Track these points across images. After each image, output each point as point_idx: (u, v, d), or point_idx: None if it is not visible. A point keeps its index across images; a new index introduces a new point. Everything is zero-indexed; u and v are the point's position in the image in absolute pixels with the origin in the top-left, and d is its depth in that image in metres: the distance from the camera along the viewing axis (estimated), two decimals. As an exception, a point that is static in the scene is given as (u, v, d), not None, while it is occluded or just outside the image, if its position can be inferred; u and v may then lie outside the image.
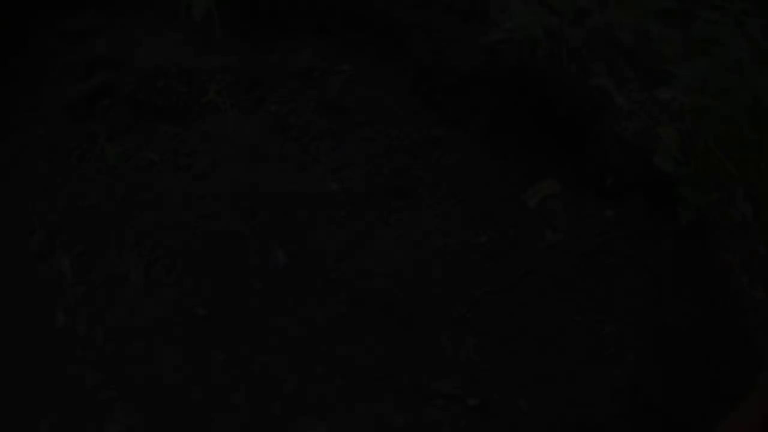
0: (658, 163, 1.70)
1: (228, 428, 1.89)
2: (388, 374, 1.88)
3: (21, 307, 2.11)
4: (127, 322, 1.98)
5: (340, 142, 2.00)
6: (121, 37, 2.09)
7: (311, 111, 1.96)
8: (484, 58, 1.77)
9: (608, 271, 1.84)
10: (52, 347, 2.04)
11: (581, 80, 1.79)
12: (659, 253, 1.87)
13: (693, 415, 1.68)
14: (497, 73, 1.77)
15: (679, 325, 1.93)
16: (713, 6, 1.82)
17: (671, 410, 1.71)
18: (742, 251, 2.02)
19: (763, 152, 1.82)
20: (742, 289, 1.96)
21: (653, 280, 1.86)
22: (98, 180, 1.99)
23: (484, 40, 1.77)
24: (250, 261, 1.87)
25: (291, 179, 1.88)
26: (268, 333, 1.91)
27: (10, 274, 2.09)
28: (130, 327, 1.99)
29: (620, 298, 1.84)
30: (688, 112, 1.89)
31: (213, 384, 1.88)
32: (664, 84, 1.92)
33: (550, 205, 1.84)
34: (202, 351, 1.90)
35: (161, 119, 2.00)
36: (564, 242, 1.80)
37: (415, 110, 1.92)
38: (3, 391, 2.02)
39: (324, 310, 1.90)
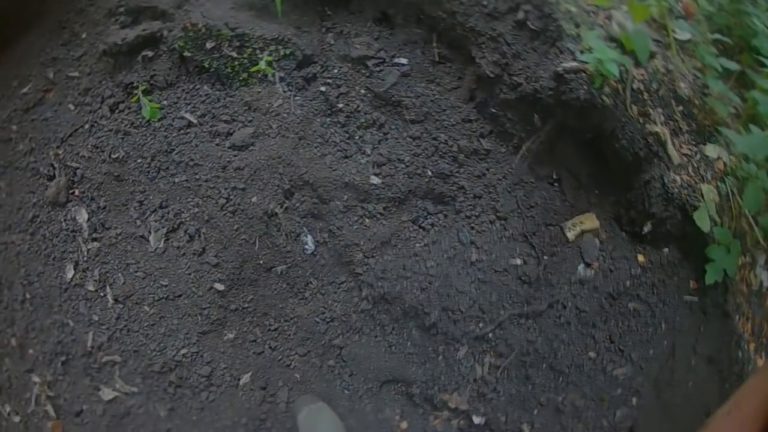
0: (696, 220, 1.73)
1: (228, 412, 1.87)
2: (400, 379, 1.90)
3: (31, 254, 2.08)
4: (140, 287, 1.97)
5: (387, 136, 2.02)
6: None
7: (362, 99, 1.95)
8: (551, 82, 1.76)
9: (630, 314, 1.89)
10: (58, 300, 2.02)
11: (641, 124, 1.79)
12: (680, 306, 1.91)
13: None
14: (561, 100, 1.75)
15: (686, 380, 1.99)
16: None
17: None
18: (754, 318, 2.09)
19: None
20: (748, 357, 2.03)
21: (670, 331, 1.92)
22: (130, 133, 1.93)
23: (555, 65, 1.75)
24: (278, 242, 1.86)
25: (332, 165, 1.87)
26: (284, 318, 1.91)
27: (22, 218, 1.99)
28: (141, 292, 1.97)
29: (636, 342, 1.89)
30: (730, 174, 1.93)
31: (218, 364, 1.86)
32: (712, 141, 1.96)
33: (587, 240, 1.87)
34: (212, 328, 1.90)
35: (205, 81, 1.96)
36: (594, 279, 1.84)
37: (469, 118, 1.92)
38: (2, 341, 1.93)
39: (344, 304, 1.92)
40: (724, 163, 2.05)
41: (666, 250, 1.93)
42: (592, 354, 1.90)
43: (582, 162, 1.90)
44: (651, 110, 1.92)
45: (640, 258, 1.91)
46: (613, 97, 1.83)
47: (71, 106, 2.03)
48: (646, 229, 1.91)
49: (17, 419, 2.00)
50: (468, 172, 1.92)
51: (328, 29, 2.04)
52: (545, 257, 1.87)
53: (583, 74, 1.80)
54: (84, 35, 2.09)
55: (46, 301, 1.96)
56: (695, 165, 1.97)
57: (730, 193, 2.01)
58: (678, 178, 1.89)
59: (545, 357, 1.87)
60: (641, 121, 1.87)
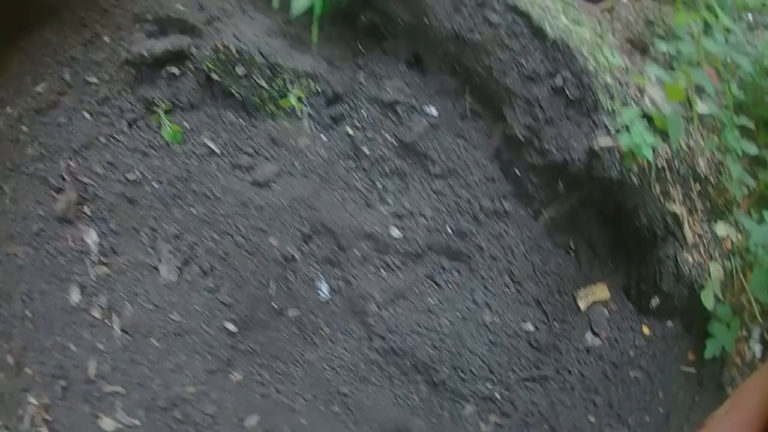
0: (702, 299, 1.80)
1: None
2: (404, 430, 1.93)
3: (34, 270, 2.02)
4: (148, 319, 1.94)
5: (410, 187, 2.03)
6: (211, 3, 1.92)
7: (388, 146, 1.92)
8: (583, 155, 1.77)
9: (630, 382, 1.96)
10: (60, 322, 1.96)
11: (661, 203, 1.82)
12: (678, 376, 1.99)
13: None
14: (591, 175, 1.76)
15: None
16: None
17: None
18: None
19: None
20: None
21: (666, 399, 1.99)
22: (148, 154, 1.87)
23: (590, 140, 1.76)
24: (293, 286, 1.85)
25: (353, 212, 1.88)
26: (293, 363, 1.95)
27: (26, 229, 2.01)
28: (150, 324, 1.94)
29: (634, 408, 1.96)
30: (736, 252, 2.00)
31: (224, 404, 1.85)
32: (723, 219, 2.01)
33: (597, 310, 1.92)
34: (220, 367, 1.89)
35: (230, 107, 1.90)
36: (600, 348, 1.89)
37: (492, 177, 1.92)
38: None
39: (354, 353, 1.96)
40: (732, 242, 2.11)
41: (669, 323, 1.99)
42: (591, 418, 1.96)
43: (600, 233, 1.94)
44: (671, 188, 1.95)
45: (645, 329, 1.98)
46: (639, 176, 1.86)
47: (87, 115, 1.95)
48: (654, 302, 1.97)
49: None
50: (487, 232, 1.93)
51: (360, 67, 1.99)
52: (556, 324, 1.90)
53: (617, 152, 1.80)
54: (106, 38, 1.99)
55: (48, 322, 1.92)
56: (706, 244, 2.01)
57: (734, 271, 2.07)
58: (690, 257, 1.94)
59: (547, 419, 1.93)
60: (662, 199, 1.91)
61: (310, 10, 1.92)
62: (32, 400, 1.89)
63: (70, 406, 1.89)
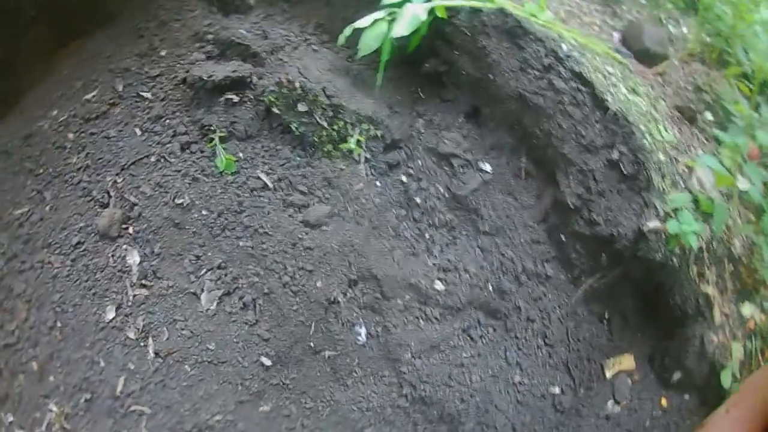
0: (721, 379, 1.89)
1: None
2: (424, 483, 1.96)
3: (69, 282, 2.00)
4: (184, 345, 1.95)
5: (457, 242, 2.07)
6: (275, 32, 1.88)
7: (439, 198, 1.95)
8: (630, 233, 1.82)
9: (642, 449, 2.04)
10: (92, 337, 1.96)
11: (696, 284, 1.90)
12: (690, 449, 2.09)
13: None
14: (636, 254, 1.81)
15: None
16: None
17: None
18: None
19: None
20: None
21: (673, 468, 2.09)
22: (199, 180, 1.86)
23: (640, 221, 1.81)
24: (333, 328, 1.88)
25: (399, 262, 1.92)
26: (321, 400, 1.99)
27: (65, 240, 1.98)
28: (185, 351, 1.95)
29: (644, 477, 2.05)
30: (758, 334, 2.08)
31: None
32: (749, 299, 2.09)
33: (621, 379, 2.00)
34: (250, 399, 1.91)
35: (287, 142, 1.90)
36: (619, 416, 1.98)
37: (538, 239, 1.96)
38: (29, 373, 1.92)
39: (382, 397, 2.02)
40: (755, 322, 2.19)
41: (687, 396, 2.09)
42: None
43: (634, 306, 2.03)
44: (707, 269, 2.03)
45: (663, 401, 2.07)
46: (679, 258, 1.91)
47: (138, 131, 1.92)
48: (676, 377, 2.06)
49: None
50: (527, 293, 1.99)
51: (419, 114, 2.00)
52: (582, 390, 1.98)
53: (663, 235, 1.85)
54: (163, 53, 1.95)
55: (78, 335, 1.92)
56: (731, 324, 2.09)
57: (754, 351, 2.17)
58: (715, 338, 2.02)
59: (561, 479, 2.00)
60: (697, 280, 1.97)
61: (375, 51, 1.93)
62: (53, 407, 1.90)
63: (91, 419, 1.89)
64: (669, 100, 2.28)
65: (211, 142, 1.91)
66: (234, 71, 1.91)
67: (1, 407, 1.92)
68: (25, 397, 1.91)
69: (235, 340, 1.93)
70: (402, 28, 1.93)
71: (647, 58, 2.34)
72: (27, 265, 1.96)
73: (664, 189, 1.96)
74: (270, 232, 1.91)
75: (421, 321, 1.98)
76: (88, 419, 1.88)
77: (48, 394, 1.90)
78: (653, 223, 1.88)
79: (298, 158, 1.95)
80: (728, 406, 0.99)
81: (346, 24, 2.05)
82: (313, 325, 1.93)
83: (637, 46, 2.33)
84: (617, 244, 1.90)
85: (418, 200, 1.99)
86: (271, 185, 1.92)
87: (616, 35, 2.46)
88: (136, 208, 1.93)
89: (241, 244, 1.91)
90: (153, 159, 1.94)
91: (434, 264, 1.98)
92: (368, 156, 1.96)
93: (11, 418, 1.92)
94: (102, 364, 1.90)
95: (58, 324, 1.93)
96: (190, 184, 1.92)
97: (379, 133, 1.95)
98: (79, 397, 1.90)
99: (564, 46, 2.07)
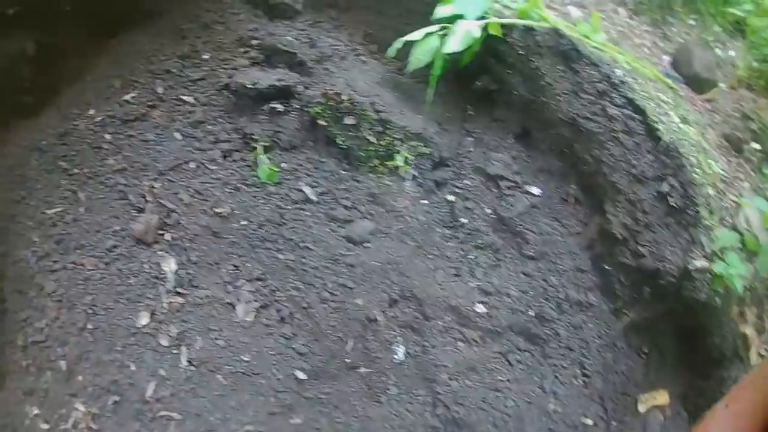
0: None
1: None
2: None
3: (102, 285, 1.96)
4: (218, 355, 1.91)
5: (500, 264, 2.04)
6: (322, 40, 1.82)
7: (485, 219, 1.91)
8: (676, 270, 1.81)
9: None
10: (123, 341, 1.93)
11: (736, 324, 1.87)
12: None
13: None
14: (680, 292, 1.78)
15: None
16: None
17: None
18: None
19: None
20: None
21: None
22: (240, 190, 1.82)
23: (686, 259, 1.79)
24: (370, 346, 1.85)
25: (442, 282, 1.92)
26: (353, 415, 1.96)
27: (99, 243, 1.94)
28: (219, 361, 1.91)
29: None
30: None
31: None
32: None
33: (653, 415, 2.00)
34: (282, 411, 1.91)
35: (332, 155, 1.86)
36: (650, 451, 1.93)
37: (582, 267, 1.96)
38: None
39: (415, 416, 1.98)
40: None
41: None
42: None
43: (673, 343, 2.02)
44: (747, 309, 1.99)
45: (692, 438, 2.04)
46: (722, 298, 1.89)
47: (178, 135, 1.86)
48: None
49: (45, 426, 1.91)
50: (567, 321, 1.97)
51: (469, 133, 1.96)
52: (614, 423, 1.97)
53: (708, 275, 1.82)
54: (206, 56, 1.89)
55: (109, 338, 1.90)
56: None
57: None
58: (750, 377, 1.98)
59: None
60: (736, 321, 1.94)
61: (425, 66, 1.92)
62: (80, 406, 1.87)
63: (119, 421, 1.87)
64: (717, 128, 2.25)
65: (253, 150, 1.85)
66: (280, 80, 1.85)
67: (26, 399, 1.90)
68: (51, 394, 1.89)
69: (270, 352, 1.90)
70: (455, 44, 1.88)
71: (697, 83, 2.32)
72: (59, 265, 1.93)
73: (711, 225, 1.92)
74: (311, 247, 1.86)
75: (459, 343, 1.95)
76: (115, 421, 1.86)
77: (75, 393, 1.88)
78: (700, 263, 1.85)
79: (343, 172, 1.90)
80: (728, 401, 0.97)
81: (396, 35, 1.99)
82: (350, 341, 1.90)
83: (687, 70, 2.31)
84: (662, 280, 1.87)
85: (463, 220, 1.95)
86: (314, 198, 1.87)
87: (666, 58, 2.42)
88: (173, 214, 1.88)
89: (280, 257, 1.87)
90: (193, 165, 1.88)
91: (476, 286, 1.95)
92: (415, 173, 1.91)
93: (36, 411, 1.89)
94: (132, 368, 1.88)
95: (89, 326, 1.90)
96: (230, 193, 1.87)
97: (427, 150, 1.90)
98: (107, 398, 1.87)
99: (617, 71, 2.02)
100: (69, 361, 1.88)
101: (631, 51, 2.22)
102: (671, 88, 2.23)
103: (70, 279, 1.93)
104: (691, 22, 2.58)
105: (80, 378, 1.88)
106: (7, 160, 1.94)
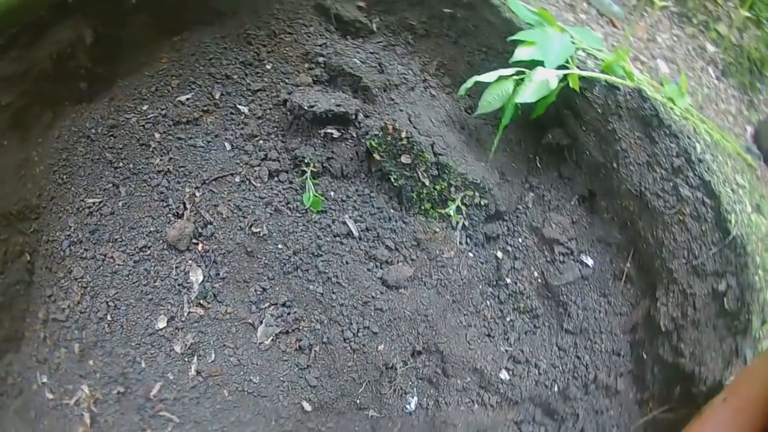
0: None
1: None
2: None
3: (128, 282, 1.96)
4: (228, 372, 1.96)
5: (536, 333, 2.04)
6: (392, 67, 1.71)
7: (531, 282, 1.89)
8: (711, 379, 1.81)
9: None
10: (139, 338, 1.95)
11: None
12: None
13: None
14: (708, 399, 1.66)
15: None
16: None
17: None
18: None
19: None
20: None
21: None
22: (282, 212, 1.80)
23: (725, 367, 1.68)
24: (383, 392, 1.85)
25: (472, 341, 2.13)
26: None
27: (132, 240, 1.94)
28: (228, 377, 1.95)
29: None
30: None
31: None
32: None
33: None
34: None
35: (383, 191, 1.86)
36: None
37: (618, 351, 2.02)
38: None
39: None
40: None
41: None
42: None
43: None
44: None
45: None
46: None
47: (228, 145, 1.83)
48: None
49: (50, 396, 1.98)
50: (590, 403, 2.03)
51: (531, 187, 1.90)
52: None
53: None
54: (268, 66, 1.86)
55: (126, 332, 2.13)
56: None
57: None
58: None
59: None
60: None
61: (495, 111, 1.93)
62: (85, 388, 1.96)
63: (120, 410, 1.97)
64: None
65: (302, 175, 1.76)
66: (338, 105, 1.80)
67: (38, 367, 1.99)
68: (62, 369, 1.99)
69: (281, 378, 1.93)
70: (529, 94, 1.83)
71: None
72: (90, 254, 2.04)
73: (760, 336, 1.79)
74: (343, 283, 1.83)
75: (475, 405, 1.95)
76: (116, 409, 1.97)
77: (84, 375, 1.98)
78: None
79: (392, 211, 1.87)
80: (726, 394, 0.89)
81: (471, 70, 1.91)
82: (364, 384, 1.91)
83: None
84: (694, 387, 1.77)
85: (508, 280, 1.92)
86: (356, 233, 1.82)
87: (750, 129, 2.25)
88: (209, 226, 1.87)
89: (311, 287, 1.83)
90: (237, 179, 1.84)
91: (506, 351, 1.93)
92: (466, 223, 1.86)
93: (45, 380, 1.99)
94: (143, 365, 2.00)
95: (108, 317, 2.07)
96: (271, 214, 1.84)
97: (483, 201, 1.85)
98: (113, 387, 1.97)
99: (697, 146, 1.93)
100: (84, 345, 2.00)
101: (715, 118, 2.09)
102: (749, 165, 2.06)
103: (98, 269, 2.01)
104: (780, 89, 2.40)
105: (91, 362, 2.00)
106: (55, 143, 1.96)
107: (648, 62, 2.39)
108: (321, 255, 1.95)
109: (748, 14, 2.46)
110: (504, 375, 2.02)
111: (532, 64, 1.88)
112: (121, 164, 2.01)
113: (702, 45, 2.55)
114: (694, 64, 2.54)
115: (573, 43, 1.95)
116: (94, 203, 2.00)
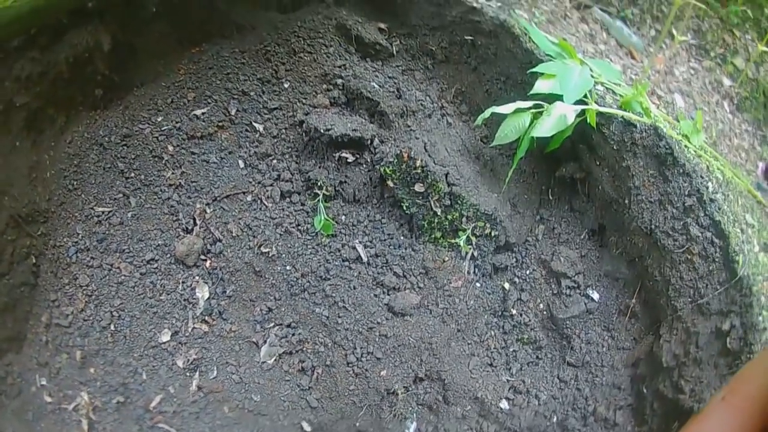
0: None
1: None
2: None
3: (133, 294, 1.95)
4: (229, 389, 1.95)
5: (538, 364, 2.04)
6: (410, 92, 1.68)
7: (536, 314, 1.90)
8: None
9: None
10: (141, 350, 1.94)
11: None
12: None
13: None
14: None
15: None
16: None
17: None
18: None
19: None
20: None
21: None
22: (292, 234, 1.79)
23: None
24: (383, 416, 1.89)
25: (474, 370, 2.10)
26: None
27: (139, 252, 1.94)
28: (228, 394, 1.94)
29: None
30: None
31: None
32: None
33: None
34: None
35: (394, 218, 1.83)
36: None
37: (619, 385, 2.06)
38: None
39: None
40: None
41: None
42: None
43: None
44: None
45: None
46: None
47: (241, 163, 1.81)
48: None
49: (48, 399, 1.95)
50: None
51: (542, 219, 1.88)
52: None
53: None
54: (286, 84, 1.82)
55: (129, 343, 2.11)
56: None
57: None
58: None
59: None
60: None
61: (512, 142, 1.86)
62: (85, 395, 1.95)
63: (119, 419, 1.97)
64: None
65: (314, 197, 1.73)
66: (355, 130, 1.78)
67: (38, 370, 1.97)
68: (62, 374, 1.98)
69: (282, 398, 1.90)
70: (545, 129, 1.82)
71: None
72: (96, 263, 2.01)
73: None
74: (349, 308, 1.81)
75: None
76: (115, 418, 1.96)
77: (84, 382, 1.97)
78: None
79: (403, 238, 1.85)
80: (725, 393, 0.89)
81: (488, 98, 1.86)
82: (364, 408, 1.91)
83: None
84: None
85: (513, 311, 1.91)
86: (365, 259, 1.80)
87: (762, 166, 2.24)
88: (218, 244, 1.84)
89: (317, 310, 1.82)
90: (249, 198, 1.81)
91: (508, 381, 1.91)
92: (476, 254, 1.82)
93: (44, 382, 1.98)
94: (144, 376, 2.00)
95: (112, 327, 2.05)
96: (281, 235, 1.81)
97: (494, 232, 1.85)
98: (113, 396, 1.96)
99: (710, 186, 1.88)
100: (85, 352, 2.00)
101: (728, 154, 2.07)
102: (759, 202, 2.05)
103: (104, 278, 1.99)
104: (791, 121, 2.38)
105: (92, 370, 1.98)
106: (67, 147, 1.92)
107: (665, 96, 2.36)
108: (329, 278, 1.94)
109: (765, 48, 2.43)
110: (504, 404, 2.02)
111: (551, 97, 1.85)
112: (132, 175, 1.99)
113: (718, 78, 2.52)
114: (709, 98, 2.51)
115: (592, 76, 1.93)
116: (103, 212, 1.98)
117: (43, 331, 2.04)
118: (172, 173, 1.96)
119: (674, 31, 2.23)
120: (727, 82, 2.59)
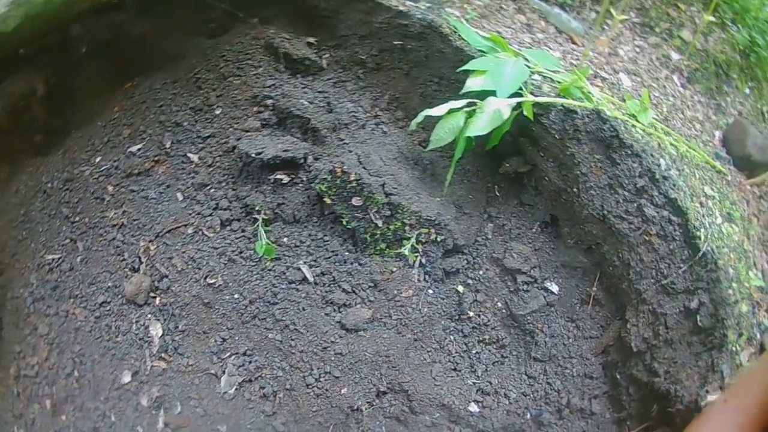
0: None
1: None
2: None
3: (91, 338, 1.88)
4: (195, 423, 1.85)
5: (504, 362, 1.93)
6: (341, 105, 1.61)
7: (495, 313, 1.78)
8: (687, 398, 1.79)
9: None
10: (107, 393, 1.85)
11: None
12: None
13: None
14: (685, 420, 1.63)
15: None
16: None
17: None
18: None
19: None
20: None
21: None
22: (235, 262, 1.72)
23: (702, 385, 1.68)
24: None
25: (437, 377, 1.98)
26: None
27: (91, 296, 1.86)
28: (195, 428, 1.84)
29: None
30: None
31: None
32: None
33: None
34: None
35: (337, 234, 1.80)
36: None
37: (591, 374, 1.99)
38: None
39: None
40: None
41: None
42: None
43: None
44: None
45: None
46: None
47: (179, 196, 1.76)
48: None
49: None
50: (565, 427, 1.99)
51: (490, 218, 1.79)
52: None
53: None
54: (218, 111, 1.76)
55: (94, 387, 2.08)
56: None
57: None
58: None
59: None
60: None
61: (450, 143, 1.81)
62: None
63: None
64: (763, 216, 1.97)
65: (254, 222, 1.67)
66: (286, 150, 1.73)
67: (14, 422, 1.92)
68: (37, 424, 1.91)
69: (248, 426, 1.89)
70: (480, 126, 1.71)
71: (747, 165, 2.08)
72: (52, 311, 1.96)
73: (737, 350, 1.66)
74: (301, 330, 1.76)
75: None
76: None
77: (59, 430, 1.88)
78: (713, 397, 1.57)
79: (347, 253, 1.78)
80: (726, 396, 0.79)
81: (423, 101, 1.78)
82: (331, 427, 1.89)
83: (739, 151, 2.06)
84: (671, 406, 1.65)
85: (471, 313, 1.84)
86: (311, 279, 1.72)
87: (718, 134, 2.11)
88: (165, 279, 1.80)
89: (270, 336, 1.77)
90: (190, 231, 1.78)
91: (474, 383, 1.85)
92: (424, 260, 1.74)
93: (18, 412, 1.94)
94: (113, 419, 1.90)
95: (76, 373, 1.99)
96: (225, 264, 1.75)
97: (440, 237, 1.77)
98: None
99: (662, 162, 1.79)
100: (55, 401, 1.92)
101: (681, 127, 1.98)
102: (719, 171, 1.92)
103: (61, 326, 1.96)
104: (747, 90, 2.21)
105: (64, 418, 1.91)
106: (13, 197, 1.87)
107: (609, 78, 2.23)
108: (277, 303, 1.84)
109: (712, 18, 2.28)
110: (473, 407, 1.90)
111: (485, 94, 1.73)
112: (77, 219, 1.94)
113: (666, 54, 2.39)
114: (658, 74, 2.36)
115: (528, 67, 1.81)
116: (53, 259, 1.94)
117: (13, 383, 1.99)
118: (114, 213, 1.89)
119: (613, 11, 2.09)
120: (675, 56, 2.45)
